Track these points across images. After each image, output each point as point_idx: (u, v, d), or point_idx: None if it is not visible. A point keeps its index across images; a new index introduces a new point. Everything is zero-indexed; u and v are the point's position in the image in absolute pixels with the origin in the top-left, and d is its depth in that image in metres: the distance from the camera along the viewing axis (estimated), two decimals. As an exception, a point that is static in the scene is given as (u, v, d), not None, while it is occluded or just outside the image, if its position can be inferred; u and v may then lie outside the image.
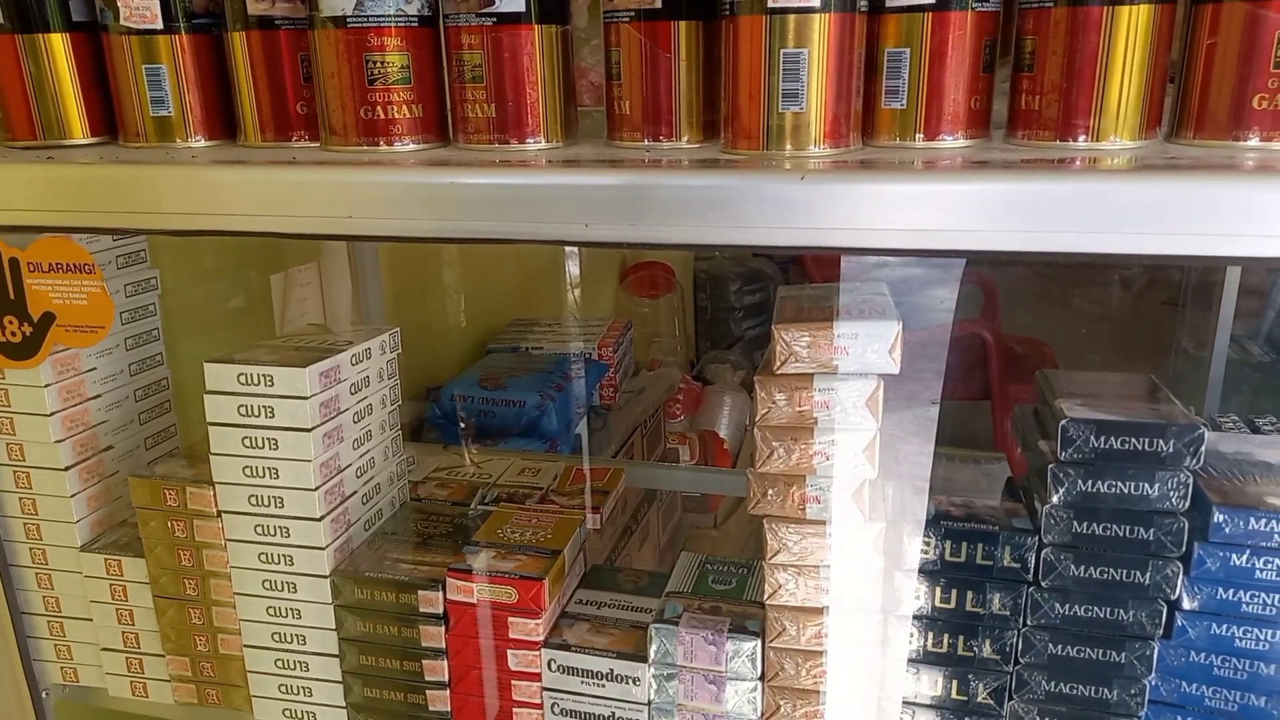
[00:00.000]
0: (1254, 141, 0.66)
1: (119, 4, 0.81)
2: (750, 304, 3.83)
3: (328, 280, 1.51)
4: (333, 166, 0.75)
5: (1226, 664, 0.69)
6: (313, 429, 0.84)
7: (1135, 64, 0.67)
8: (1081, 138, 0.70)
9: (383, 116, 0.80)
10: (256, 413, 0.84)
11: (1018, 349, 3.33)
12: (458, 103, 0.80)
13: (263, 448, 0.85)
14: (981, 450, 0.94)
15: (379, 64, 0.78)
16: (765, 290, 3.84)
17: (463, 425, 1.77)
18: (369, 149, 0.80)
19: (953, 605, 0.74)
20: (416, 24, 0.77)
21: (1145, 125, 0.69)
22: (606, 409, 2.13)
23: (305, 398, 0.83)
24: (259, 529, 0.87)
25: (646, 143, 0.79)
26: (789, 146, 0.71)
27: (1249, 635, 0.68)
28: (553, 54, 0.78)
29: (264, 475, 0.85)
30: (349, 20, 0.76)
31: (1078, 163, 0.66)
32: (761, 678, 0.80)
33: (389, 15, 0.76)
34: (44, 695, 0.99)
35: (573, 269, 2.43)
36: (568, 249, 2.24)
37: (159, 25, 0.82)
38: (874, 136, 0.74)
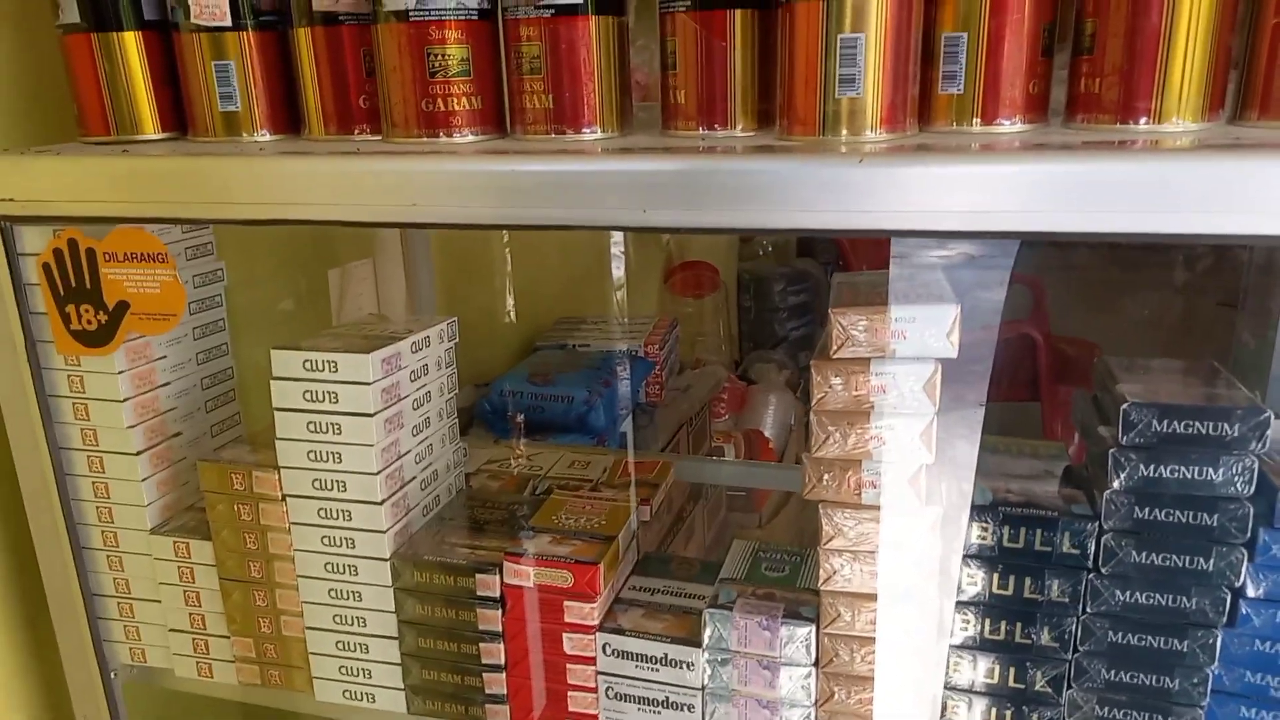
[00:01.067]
0: None
1: (190, 2, 0.84)
2: (794, 304, 3.82)
3: (382, 276, 1.55)
4: (395, 156, 0.77)
5: (1292, 652, 0.68)
6: (375, 414, 0.86)
7: (1198, 44, 0.66)
8: (1143, 120, 0.69)
9: (443, 109, 0.82)
10: (321, 398, 0.86)
11: (1068, 350, 3.28)
12: (515, 94, 0.82)
13: (326, 433, 0.87)
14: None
15: (440, 57, 0.80)
16: (809, 291, 3.83)
17: (517, 420, 1.79)
18: (429, 140, 0.82)
19: (1010, 592, 0.73)
20: (476, 17, 0.79)
21: (1208, 107, 0.69)
22: (652, 406, 2.14)
23: (368, 383, 0.85)
24: (322, 512, 0.89)
25: (702, 131, 0.80)
26: (845, 132, 0.72)
27: (1318, 622, 0.67)
28: (609, 45, 0.79)
29: (327, 460, 0.88)
30: (411, 14, 0.78)
31: (1138, 144, 0.65)
32: (816, 663, 0.80)
33: (449, 9, 0.78)
34: (113, 675, 1.03)
35: (618, 269, 2.44)
36: (613, 249, 2.26)
37: (228, 23, 0.85)
38: (931, 122, 0.74)
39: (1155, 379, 0.74)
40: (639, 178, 0.70)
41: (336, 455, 0.87)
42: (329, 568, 0.91)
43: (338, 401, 0.86)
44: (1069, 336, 3.33)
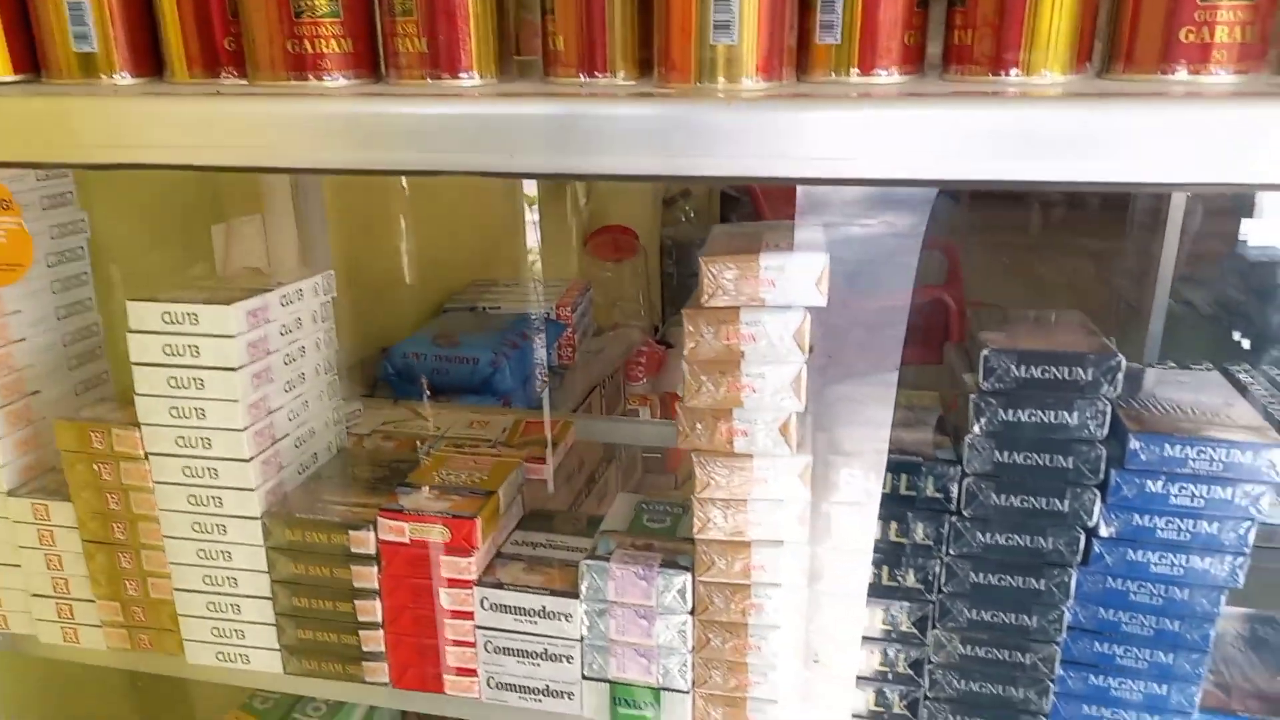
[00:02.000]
0: (1181, 74, 0.66)
1: (36, -68, 0.79)
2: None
3: (272, 233, 1.49)
4: (254, 98, 0.73)
5: (1142, 589, 0.70)
6: (239, 369, 0.82)
7: (1065, -2, 0.66)
8: (1014, 72, 0.69)
9: (310, 50, 0.78)
10: (181, 352, 0.82)
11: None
12: (389, 36, 0.78)
13: (189, 388, 0.83)
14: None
15: (306, -4, 0.76)
16: (730, 256, 3.82)
17: (422, 382, 1.76)
18: (297, 83, 0.78)
19: (878, 536, 0.74)
20: (344, -47, 0.75)
21: (1076, 59, 0.69)
22: (564, 368, 2.13)
23: (231, 336, 0.81)
24: (187, 471, 0.86)
25: (582, 79, 0.78)
26: (722, 79, 0.70)
27: (1164, 561, 0.69)
28: (485, -14, 0.77)
29: (191, 416, 0.84)
30: (272, -53, 0.74)
31: (1004, 93, 0.66)
32: (692, 612, 0.80)
33: (315, -57, 0.74)
34: (-27, 643, 0.98)
35: (535, 231, 2.41)
36: (529, 211, 2.23)
37: (78, -46, 0.80)
38: (809, 72, 0.74)
39: (1021, 329, 0.75)
40: (502, 122, 0.68)
41: (200, 411, 0.84)
42: (197, 527, 0.88)
43: (199, 355, 0.82)
44: (983, 301, 3.41)
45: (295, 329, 0.90)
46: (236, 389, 0.83)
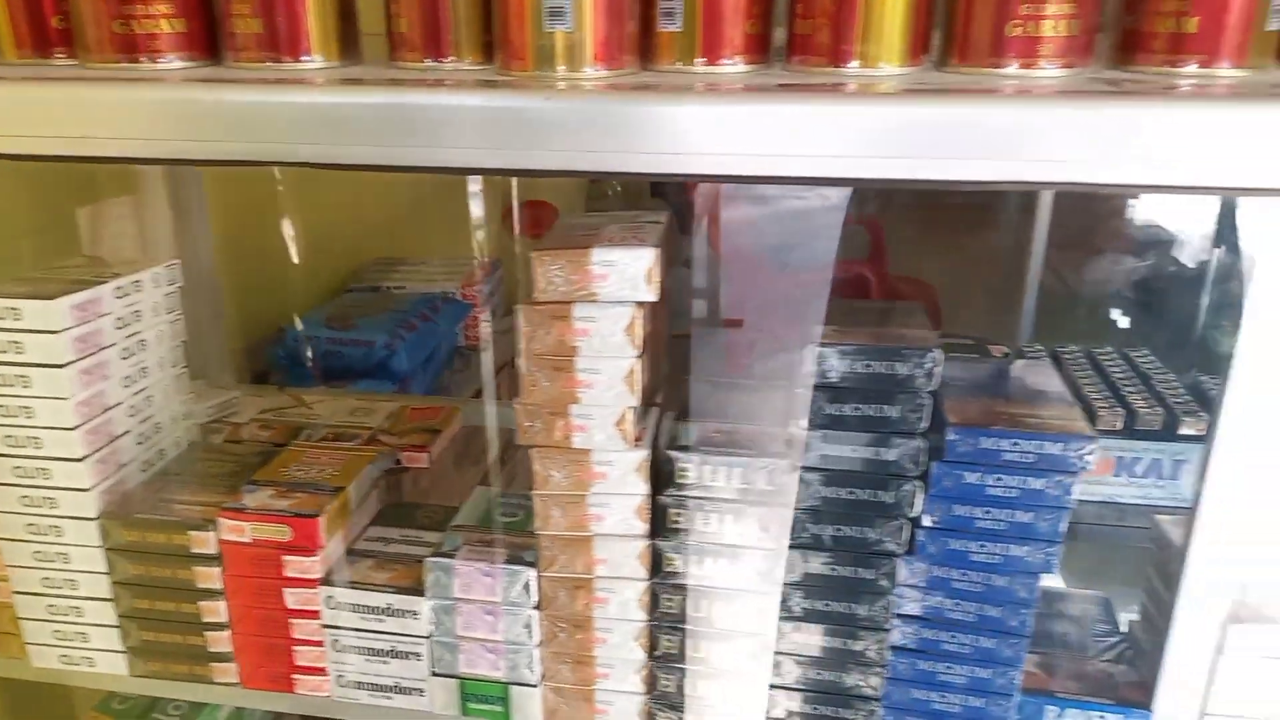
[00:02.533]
0: (1012, 69, 0.67)
1: None
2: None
3: (146, 215, 1.44)
4: (70, 83, 0.70)
5: (965, 577, 0.72)
6: (66, 365, 0.79)
7: (900, -10, 0.66)
8: (853, 64, 0.69)
9: (142, 31, 0.75)
10: (4, 348, 0.79)
11: (904, 289, 3.39)
12: (225, 17, 0.76)
13: (14, 385, 0.80)
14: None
15: (131, -26, 0.73)
16: (654, 232, 3.82)
17: (313, 367, 1.73)
18: (129, 66, 0.75)
19: (714, 530, 0.75)
20: (176, -70, 0.72)
21: (912, 52, 0.70)
22: (472, 349, 2.10)
23: (55, 332, 0.78)
24: (18, 471, 0.83)
25: (428, 63, 0.76)
26: (562, 67, 0.69)
27: (983, 549, 0.71)
28: (322, -38, 0.74)
29: (19, 415, 0.81)
30: (95, -76, 0.70)
31: (848, 87, 0.66)
32: (538, 606, 0.80)
33: (141, -82, 0.71)
34: None
35: (478, 204, 2.36)
36: (470, 181, 2.18)
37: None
38: (654, 60, 0.73)
39: (859, 322, 0.76)
40: (329, 111, 0.66)
41: (28, 410, 0.80)
42: (31, 529, 0.85)
43: (24, 352, 0.79)
44: (906, 276, 3.45)
45: (134, 322, 0.87)
46: (64, 387, 0.80)
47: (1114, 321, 1.78)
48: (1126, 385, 1.06)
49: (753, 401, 0.83)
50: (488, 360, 2.05)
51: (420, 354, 1.82)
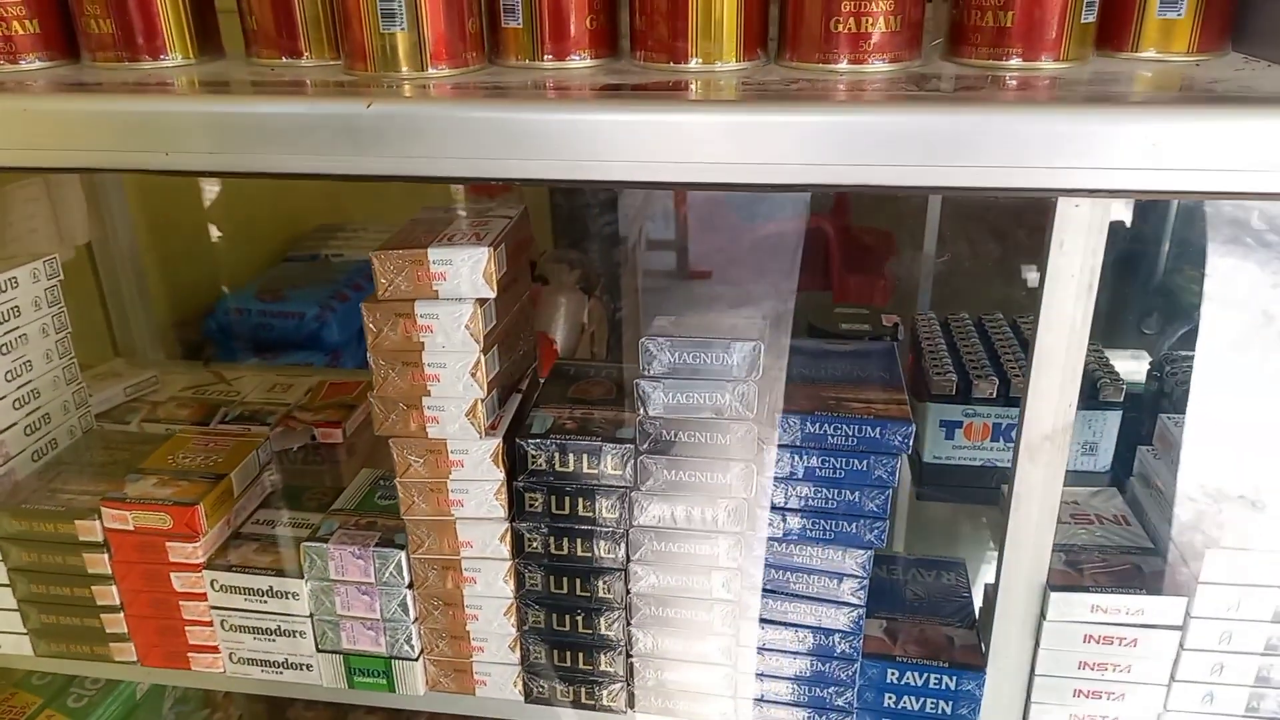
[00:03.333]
0: (843, 64, 0.68)
1: None
2: (607, 199, 3.79)
3: (57, 195, 1.44)
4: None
5: (803, 553, 0.76)
6: (-60, 364, 0.82)
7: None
8: (694, 60, 0.71)
9: (-2, 34, 0.76)
10: (-121, 349, 0.81)
11: (865, 239, 3.40)
12: (78, 17, 0.77)
13: (-108, 385, 0.82)
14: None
15: (-20, -24, 0.74)
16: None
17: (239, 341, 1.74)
18: (-12, 67, 0.76)
19: (567, 511, 0.78)
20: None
21: (746, 48, 0.71)
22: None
23: (-76, 333, 0.80)
24: (-97, 466, 0.85)
25: (284, 60, 0.77)
26: (404, 67, 0.70)
27: (817, 526, 0.74)
28: (172, -40, 0.75)
29: (-102, 412, 0.83)
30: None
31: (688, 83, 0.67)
32: (411, 586, 0.84)
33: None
34: None
35: None
36: None
37: None
38: (502, 55, 0.74)
39: (709, 307, 0.78)
40: (156, 120, 0.67)
41: (-94, 407, 0.83)
42: (-76, 521, 0.88)
43: (-104, 351, 0.81)
44: (868, 227, 3.45)
45: (12, 317, 0.89)
46: (-60, 385, 0.82)
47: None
48: (1006, 353, 1.09)
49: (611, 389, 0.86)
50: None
51: (353, 324, 1.83)
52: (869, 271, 3.27)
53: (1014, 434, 1.04)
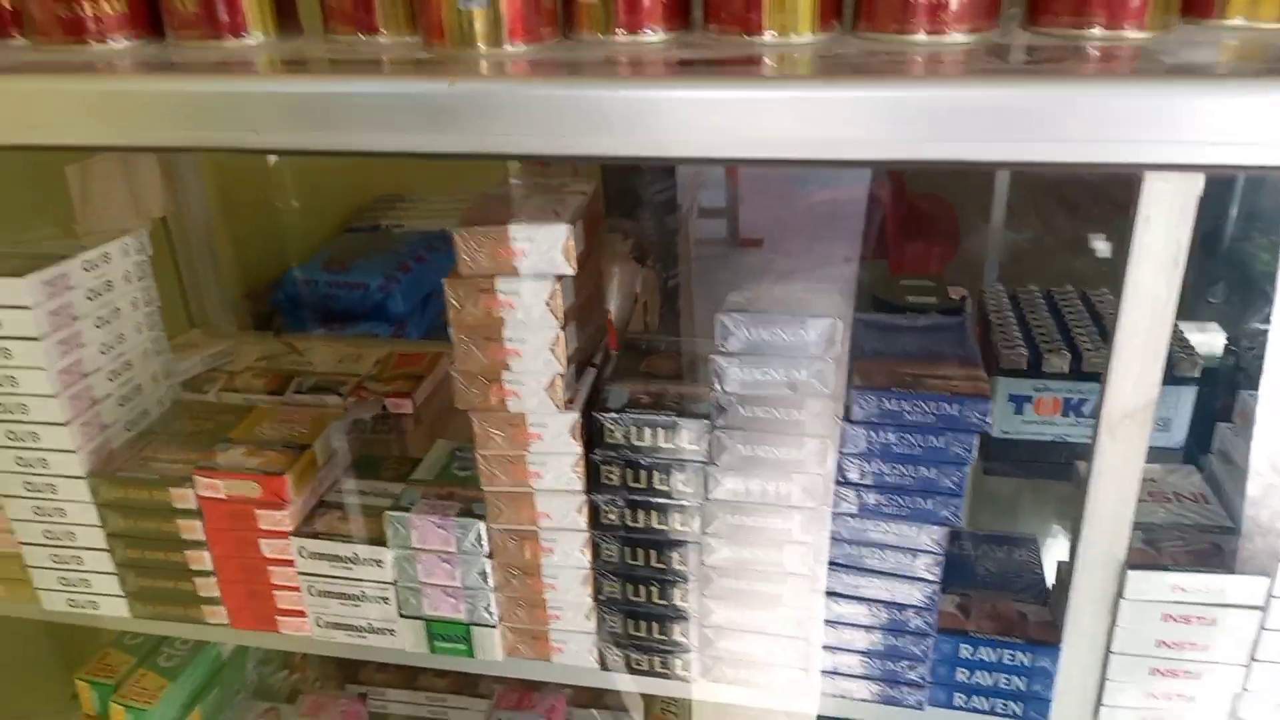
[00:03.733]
0: (920, 36, 0.67)
1: None
2: (664, 167, 3.77)
3: (133, 170, 1.48)
4: (21, 75, 0.74)
5: (878, 528, 0.76)
6: (42, 339, 0.85)
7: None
8: (769, 33, 0.70)
9: (85, 14, 0.78)
10: (-16, 323, 0.85)
11: (922, 206, 3.34)
12: (163, -4, 0.79)
13: (-2, 357, 0.86)
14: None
15: (70, -43, 0.76)
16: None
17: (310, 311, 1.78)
18: (78, 47, 0.79)
19: (643, 485, 0.79)
20: (100, -89, 0.74)
21: (823, 19, 0.70)
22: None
23: (27, 308, 0.84)
24: (10, 435, 0.89)
25: (361, 36, 0.78)
26: (481, 45, 0.71)
27: (892, 502, 0.75)
28: (252, -61, 0.76)
29: (4, 384, 0.87)
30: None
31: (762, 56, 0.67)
32: (490, 555, 0.86)
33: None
34: None
35: None
36: None
37: None
38: (575, 30, 0.74)
39: (783, 279, 0.79)
40: (242, 100, 0.69)
41: (11, 379, 0.87)
42: (28, 487, 0.92)
43: (1, 325, 0.84)
44: (927, 194, 3.39)
45: (106, 292, 0.93)
46: (41, 358, 0.86)
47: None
48: (1077, 326, 1.07)
49: (682, 364, 0.87)
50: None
51: (416, 294, 1.86)
52: (926, 239, 3.21)
53: (1086, 409, 1.04)
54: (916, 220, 3.28)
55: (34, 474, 0.91)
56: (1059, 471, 1.04)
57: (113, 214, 1.41)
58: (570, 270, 0.74)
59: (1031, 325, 1.08)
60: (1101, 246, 1.79)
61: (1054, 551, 0.91)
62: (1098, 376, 1.02)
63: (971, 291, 1.20)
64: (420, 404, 1.23)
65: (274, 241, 1.98)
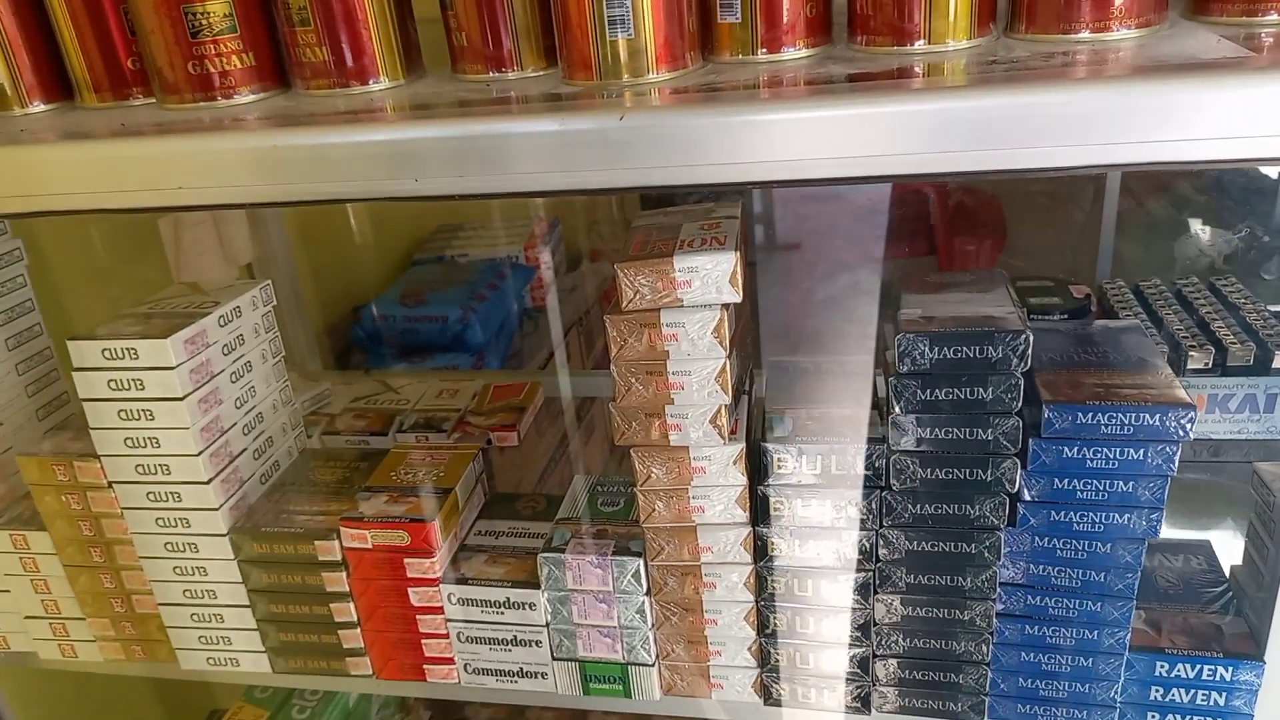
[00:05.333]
0: (1084, 34, 0.65)
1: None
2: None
3: (222, 217, 1.48)
4: (162, 136, 0.73)
5: (1067, 546, 0.73)
6: (185, 397, 0.84)
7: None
8: (919, 42, 0.68)
9: (214, 69, 0.78)
10: (126, 386, 0.84)
11: (967, 201, 3.30)
12: (291, 47, 0.78)
13: (139, 419, 0.85)
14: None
15: (200, 15, 0.75)
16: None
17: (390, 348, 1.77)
18: (206, 104, 0.78)
19: (812, 514, 0.77)
20: (231, -32, 0.73)
21: (980, 23, 0.68)
22: (539, 311, 2.13)
23: (171, 368, 0.83)
24: (151, 496, 0.88)
25: (491, 75, 0.77)
26: (626, 75, 0.70)
27: (1084, 519, 0.71)
28: (379, -11, 0.75)
29: (146, 445, 0.86)
30: (157, -28, 0.72)
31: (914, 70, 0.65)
32: (648, 593, 0.84)
33: (199, -35, 0.73)
34: (-23, 664, 1.03)
35: None
36: None
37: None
38: (716, 52, 0.73)
39: (937, 299, 0.76)
40: (404, 147, 0.68)
41: (154, 440, 0.86)
42: (169, 547, 0.91)
43: (144, 388, 0.84)
44: (971, 187, 3.35)
45: (238, 346, 0.92)
46: (185, 417, 0.84)
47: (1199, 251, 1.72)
48: (1214, 319, 1.04)
49: (835, 385, 0.85)
50: (557, 327, 2.08)
51: (493, 323, 1.85)
52: (975, 235, 3.16)
53: (1232, 406, 1.00)
54: (965, 216, 3.23)
55: (175, 534, 0.90)
56: (1203, 469, 1.01)
57: (205, 263, 1.41)
58: (736, 297, 0.72)
59: (1165, 320, 1.04)
60: (1202, 234, 1.74)
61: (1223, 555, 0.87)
62: (1242, 371, 0.99)
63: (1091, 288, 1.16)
64: (523, 436, 1.21)
65: (344, 278, 1.98)
